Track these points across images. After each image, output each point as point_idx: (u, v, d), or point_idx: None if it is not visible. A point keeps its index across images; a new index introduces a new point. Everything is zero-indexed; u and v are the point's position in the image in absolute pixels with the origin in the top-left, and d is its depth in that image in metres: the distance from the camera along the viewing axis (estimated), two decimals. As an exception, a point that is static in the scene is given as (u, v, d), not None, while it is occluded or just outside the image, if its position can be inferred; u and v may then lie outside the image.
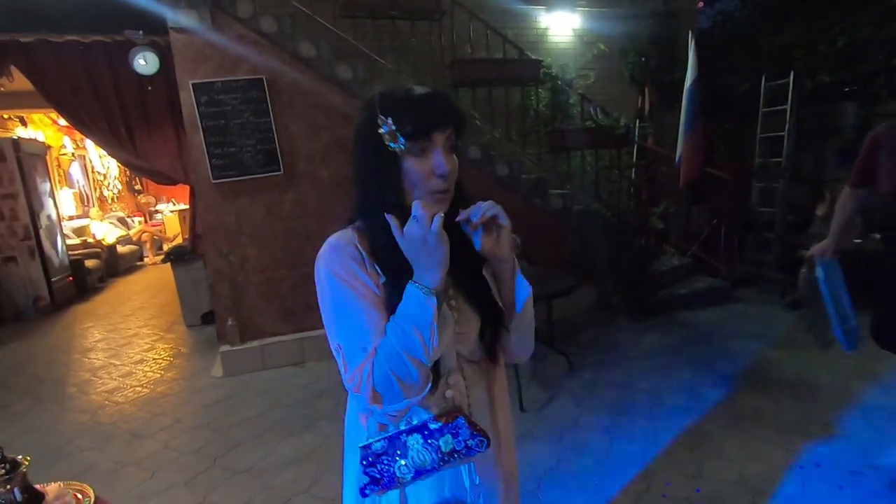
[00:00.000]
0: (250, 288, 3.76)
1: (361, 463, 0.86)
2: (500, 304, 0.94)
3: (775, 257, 4.96)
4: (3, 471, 1.08)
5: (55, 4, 3.57)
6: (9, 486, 1.08)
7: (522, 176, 4.31)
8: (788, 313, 4.09)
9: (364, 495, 0.88)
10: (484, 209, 0.82)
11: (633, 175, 5.05)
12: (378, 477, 0.86)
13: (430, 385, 0.81)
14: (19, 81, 4.31)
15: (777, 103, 5.01)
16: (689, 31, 4.67)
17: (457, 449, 0.86)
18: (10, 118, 7.21)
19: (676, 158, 4.80)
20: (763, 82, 5.09)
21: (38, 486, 1.19)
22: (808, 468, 2.20)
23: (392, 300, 0.82)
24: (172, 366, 4.02)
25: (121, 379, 3.79)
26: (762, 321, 3.98)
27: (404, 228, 0.78)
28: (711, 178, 4.89)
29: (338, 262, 0.84)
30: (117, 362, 4.17)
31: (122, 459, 2.68)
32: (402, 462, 0.85)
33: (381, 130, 0.81)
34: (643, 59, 5.62)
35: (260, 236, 3.73)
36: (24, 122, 7.51)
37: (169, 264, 4.95)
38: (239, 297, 3.74)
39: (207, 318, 4.81)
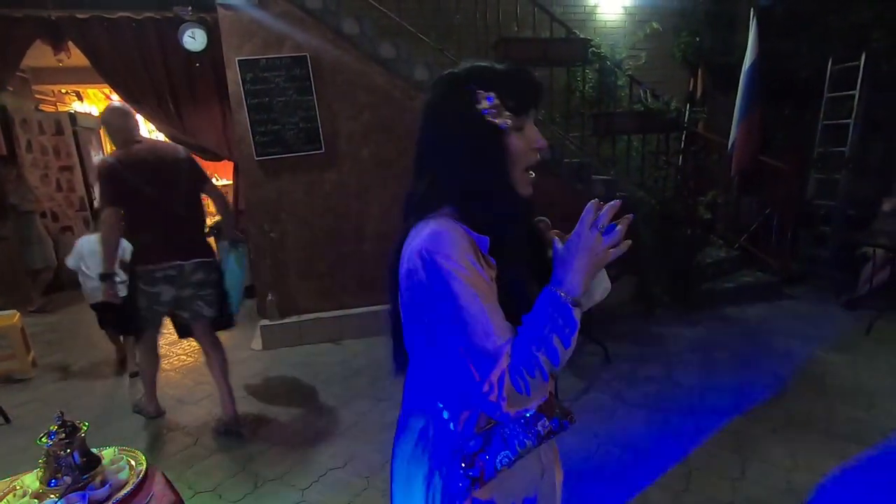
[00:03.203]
0: (290, 265, 3.83)
1: (461, 466, 0.83)
2: None
3: (832, 254, 4.68)
4: (64, 434, 1.13)
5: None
6: (68, 450, 1.13)
7: (564, 160, 4.19)
8: (845, 314, 3.86)
9: (465, 497, 0.84)
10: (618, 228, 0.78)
11: (680, 162, 4.83)
12: (477, 476, 0.83)
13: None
14: (76, 57, 4.46)
15: (844, 88, 4.67)
16: (752, 9, 4.37)
17: (554, 430, 0.87)
18: (67, 93, 7.51)
19: (729, 145, 4.56)
20: (830, 65, 4.74)
21: (94, 451, 1.24)
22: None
23: (504, 295, 0.78)
24: (215, 337, 4.16)
25: (167, 347, 3.95)
26: (815, 321, 3.77)
27: (579, 229, 0.76)
28: (765, 168, 4.64)
29: (454, 255, 0.74)
30: (163, 331, 4.32)
31: (169, 424, 2.81)
32: (504, 453, 0.84)
33: (483, 105, 0.78)
34: (697, 38, 5.33)
35: (300, 214, 3.78)
36: (80, 97, 7.80)
37: (212, 238, 5.09)
38: (279, 273, 3.82)
39: (248, 292, 4.93)
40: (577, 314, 0.75)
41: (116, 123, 2.45)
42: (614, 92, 4.69)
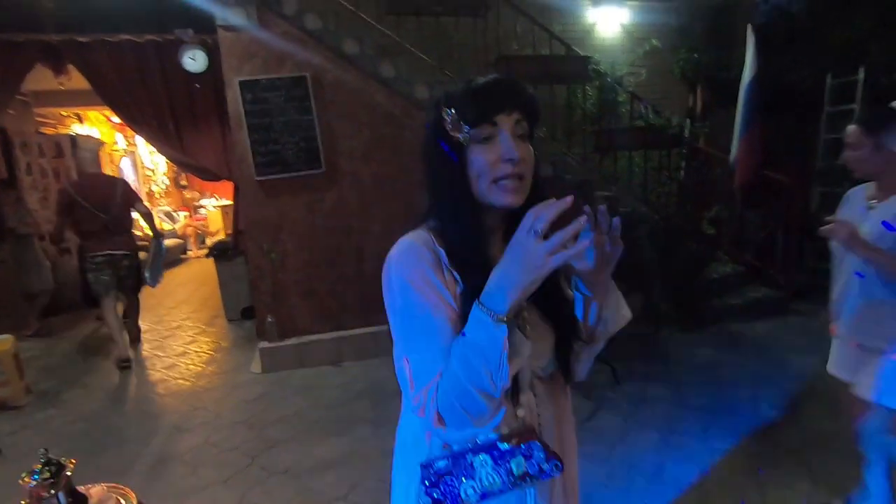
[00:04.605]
0: (289, 286, 3.77)
1: (423, 483, 0.80)
2: (581, 320, 0.87)
3: (839, 268, 4.62)
4: (49, 474, 1.06)
5: (111, 5, 3.67)
6: (53, 491, 1.06)
7: (567, 177, 4.17)
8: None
9: None
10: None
11: (682, 177, 4.81)
12: (440, 499, 0.79)
13: (501, 412, 0.74)
14: (76, 80, 4.47)
15: (844, 102, 4.67)
16: (749, 25, 4.40)
17: (530, 472, 0.79)
18: (68, 115, 7.54)
19: (731, 160, 4.54)
20: (829, 79, 4.75)
21: (81, 489, 1.17)
22: (888, 504, 1.99)
23: (468, 310, 0.74)
24: (213, 360, 4.09)
25: (164, 371, 3.87)
26: (826, 337, 3.68)
27: (517, 235, 0.66)
28: (769, 182, 4.61)
29: (413, 266, 0.76)
30: (161, 354, 4.27)
31: (164, 453, 2.72)
32: (469, 483, 0.78)
33: (446, 123, 0.77)
34: (695, 55, 5.36)
35: (300, 234, 3.73)
36: (80, 119, 7.84)
37: (212, 259, 5.05)
38: (278, 294, 3.75)
39: (247, 313, 4.88)
40: (499, 331, 0.66)
41: (79, 159, 4.25)
42: (615, 108, 4.69)
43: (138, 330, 4.55)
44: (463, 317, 0.75)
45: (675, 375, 3.25)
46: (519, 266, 0.65)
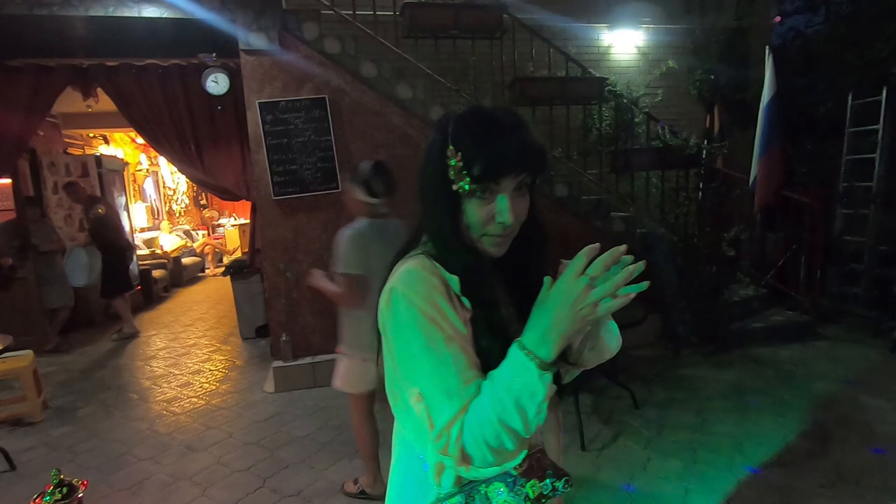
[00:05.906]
0: (304, 304, 3.77)
1: None
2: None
3: (865, 291, 4.49)
4: (60, 496, 1.05)
5: (139, 30, 3.80)
6: (64, 513, 1.04)
7: (583, 197, 4.14)
8: (886, 356, 3.64)
9: None
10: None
11: (700, 198, 4.75)
12: None
13: (525, 450, 0.70)
14: (104, 102, 4.61)
15: (867, 122, 4.60)
16: (767, 47, 4.39)
17: (544, 493, 0.75)
18: (94, 137, 7.78)
19: (751, 181, 4.48)
20: (850, 100, 4.69)
21: (92, 511, 1.15)
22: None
23: (479, 338, 0.72)
24: (227, 378, 4.08)
25: (178, 389, 3.88)
26: (855, 363, 3.56)
27: (565, 279, 0.63)
28: (790, 203, 4.53)
29: (422, 294, 0.72)
30: (176, 372, 4.28)
31: (176, 473, 2.69)
32: None
33: (450, 162, 0.74)
34: (712, 76, 5.34)
35: (316, 253, 3.75)
36: (106, 141, 8.08)
37: (228, 277, 5.09)
38: (293, 313, 3.76)
39: (262, 332, 4.89)
40: (544, 379, 0.63)
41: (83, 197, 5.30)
42: (631, 129, 4.68)
43: (130, 318, 5.64)
44: (474, 344, 0.72)
45: (697, 401, 3.15)
46: (567, 311, 0.62)
